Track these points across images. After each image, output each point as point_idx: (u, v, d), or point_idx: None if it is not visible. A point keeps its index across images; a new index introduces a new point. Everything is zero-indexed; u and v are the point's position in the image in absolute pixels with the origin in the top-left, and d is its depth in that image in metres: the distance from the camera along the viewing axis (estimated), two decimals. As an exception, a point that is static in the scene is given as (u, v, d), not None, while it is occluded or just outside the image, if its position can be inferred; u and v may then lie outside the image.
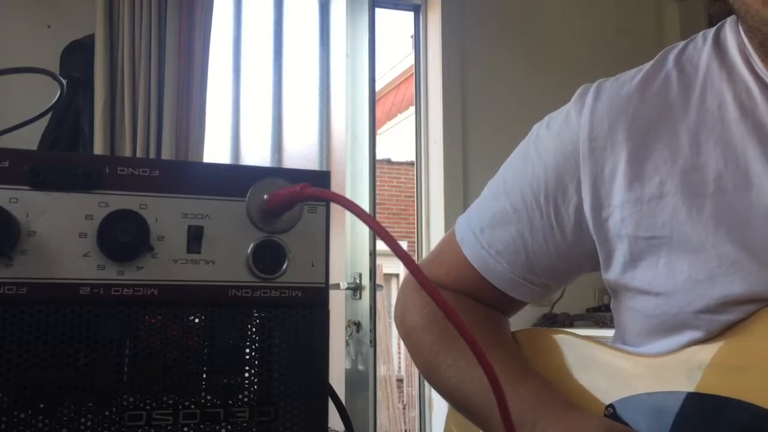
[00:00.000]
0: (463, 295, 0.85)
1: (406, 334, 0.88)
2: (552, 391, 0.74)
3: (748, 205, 0.66)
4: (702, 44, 0.75)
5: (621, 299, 0.77)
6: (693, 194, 0.68)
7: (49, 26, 2.46)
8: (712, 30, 0.75)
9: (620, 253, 0.72)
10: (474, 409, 0.78)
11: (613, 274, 0.74)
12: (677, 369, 0.68)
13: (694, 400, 0.65)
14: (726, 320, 0.66)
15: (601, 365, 0.75)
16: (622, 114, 0.73)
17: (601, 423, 0.68)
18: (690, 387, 0.66)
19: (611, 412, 0.70)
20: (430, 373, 0.84)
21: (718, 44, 0.74)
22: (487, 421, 0.76)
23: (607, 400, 0.71)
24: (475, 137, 2.93)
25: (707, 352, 0.66)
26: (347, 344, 2.59)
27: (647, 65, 0.77)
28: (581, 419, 0.69)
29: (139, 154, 2.35)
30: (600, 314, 2.64)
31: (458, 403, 0.81)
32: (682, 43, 0.77)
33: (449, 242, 0.87)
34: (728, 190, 0.67)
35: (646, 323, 0.73)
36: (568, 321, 2.68)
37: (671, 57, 0.76)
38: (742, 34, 0.71)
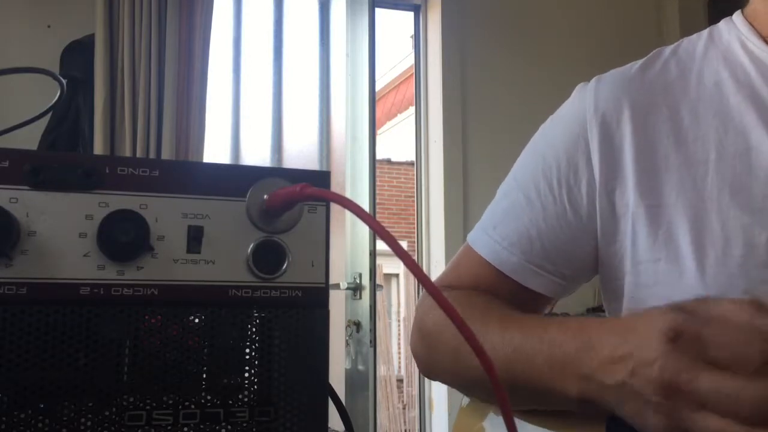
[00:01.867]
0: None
1: (427, 335, 0.81)
2: (579, 319, 0.64)
3: (749, 168, 0.69)
4: (697, 38, 0.80)
5: (619, 283, 0.77)
6: (696, 162, 0.72)
7: (49, 26, 2.46)
8: (706, 30, 0.81)
9: (625, 222, 0.74)
10: (518, 366, 0.65)
11: (618, 246, 0.75)
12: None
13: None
14: (729, 287, 0.67)
15: None
16: (625, 92, 0.77)
17: (658, 309, 0.56)
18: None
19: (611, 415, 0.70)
20: (461, 360, 0.74)
21: (713, 36, 0.79)
22: (535, 376, 0.65)
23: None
24: (475, 137, 2.93)
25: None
26: (347, 344, 2.59)
27: (643, 59, 0.81)
28: (628, 318, 0.60)
29: (139, 154, 2.35)
30: (600, 314, 2.64)
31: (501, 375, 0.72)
32: (675, 43, 0.82)
33: (463, 252, 0.86)
34: (729, 156, 0.70)
35: (644, 296, 0.74)
36: (568, 321, 2.68)
37: (667, 49, 0.81)
38: (739, 25, 0.77)
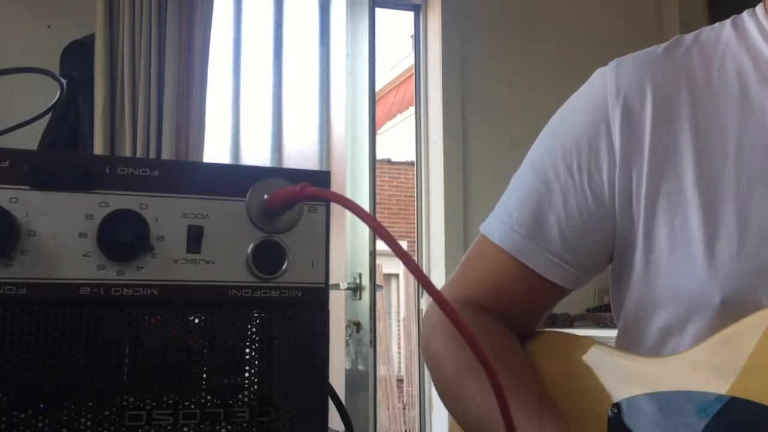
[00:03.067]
0: (495, 316, 0.81)
1: (428, 358, 0.83)
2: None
3: (767, 162, 0.69)
4: (720, 27, 0.78)
5: (631, 271, 0.76)
6: (715, 152, 0.71)
7: (49, 26, 2.45)
8: (728, 19, 0.79)
9: (642, 209, 0.73)
10: None
11: (635, 233, 0.74)
12: (680, 369, 0.68)
13: (697, 399, 0.65)
14: (741, 281, 0.67)
15: (606, 366, 0.75)
16: (648, 73, 0.76)
17: None
18: (694, 386, 0.66)
19: (615, 412, 0.71)
20: (451, 403, 0.80)
21: (737, 27, 0.77)
22: None
23: (611, 400, 0.71)
24: (475, 137, 2.93)
25: (708, 352, 0.67)
26: (347, 344, 2.59)
27: (665, 44, 0.79)
28: None
29: (139, 154, 2.35)
30: (600, 314, 2.64)
31: None
32: (696, 31, 0.80)
33: (474, 249, 0.84)
34: (748, 147, 0.70)
35: (656, 286, 0.73)
36: (568, 321, 2.68)
37: (688, 37, 0.79)
38: (762, 18, 0.76)
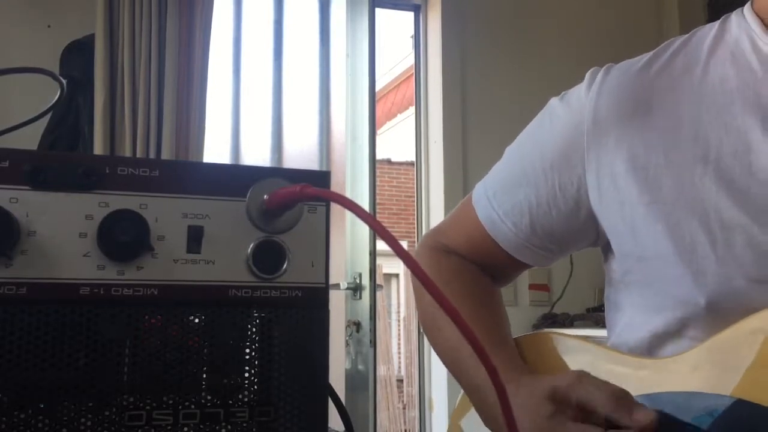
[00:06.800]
0: (469, 261, 0.90)
1: (415, 287, 0.96)
2: (516, 366, 0.79)
3: (749, 169, 0.69)
4: (709, 29, 0.79)
5: (620, 275, 0.80)
6: (696, 160, 0.71)
7: (49, 26, 2.45)
8: (719, 19, 0.79)
9: (623, 218, 0.75)
10: (463, 376, 0.84)
11: (619, 240, 0.77)
12: (680, 370, 0.68)
13: (699, 401, 0.65)
14: (727, 285, 0.67)
15: (602, 368, 0.74)
16: (627, 91, 0.78)
17: (544, 389, 0.70)
18: (696, 388, 0.66)
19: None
20: (427, 330, 0.91)
21: (724, 29, 0.78)
22: (471, 385, 0.83)
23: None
24: (475, 137, 2.93)
25: (710, 353, 0.67)
26: (347, 344, 2.59)
27: (653, 51, 0.81)
28: (535, 383, 0.73)
29: (139, 154, 2.34)
30: (600, 314, 2.64)
31: (449, 367, 0.87)
32: (691, 32, 0.82)
33: (466, 205, 0.92)
34: (729, 156, 0.70)
35: (645, 293, 0.76)
36: (568, 321, 2.68)
37: (679, 40, 0.80)
38: (749, 19, 0.76)
